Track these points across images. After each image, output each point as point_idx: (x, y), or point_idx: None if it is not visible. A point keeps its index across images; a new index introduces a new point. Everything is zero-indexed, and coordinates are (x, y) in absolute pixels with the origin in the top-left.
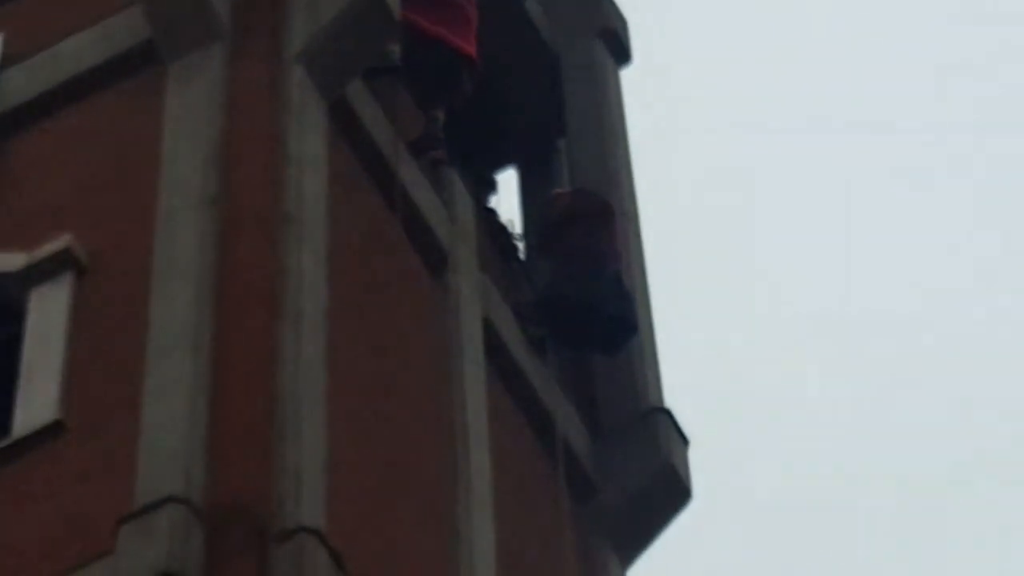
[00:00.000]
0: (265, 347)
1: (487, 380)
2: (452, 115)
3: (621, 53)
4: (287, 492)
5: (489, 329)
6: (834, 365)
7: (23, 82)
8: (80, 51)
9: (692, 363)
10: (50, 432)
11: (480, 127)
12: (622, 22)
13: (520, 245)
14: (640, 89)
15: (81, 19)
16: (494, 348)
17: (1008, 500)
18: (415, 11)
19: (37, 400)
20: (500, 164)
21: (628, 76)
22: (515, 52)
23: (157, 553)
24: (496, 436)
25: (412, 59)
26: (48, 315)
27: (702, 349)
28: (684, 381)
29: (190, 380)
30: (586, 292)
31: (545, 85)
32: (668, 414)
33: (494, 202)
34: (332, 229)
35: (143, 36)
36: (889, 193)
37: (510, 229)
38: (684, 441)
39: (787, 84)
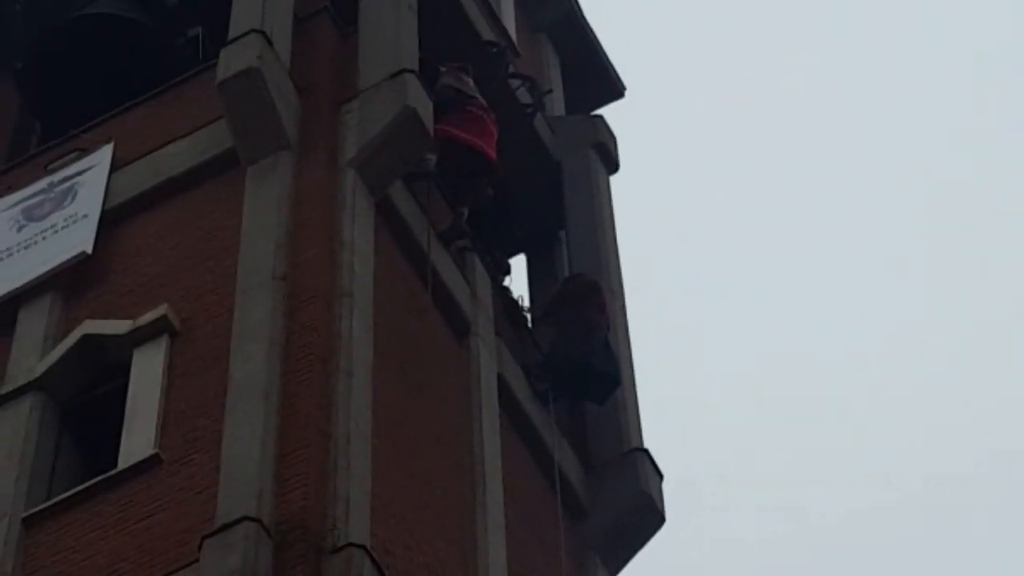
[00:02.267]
0: (322, 396)
1: (500, 424)
2: (474, 211)
3: (611, 163)
4: (339, 514)
5: (503, 383)
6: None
7: (129, 182)
8: (175, 157)
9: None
10: (148, 464)
11: (496, 221)
12: (612, 139)
13: (528, 316)
14: (626, 192)
15: (176, 130)
16: (506, 398)
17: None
18: (449, 123)
19: (138, 438)
20: (512, 251)
21: (616, 180)
22: (525, 161)
23: (234, 563)
24: (507, 469)
25: (445, 163)
26: (148, 370)
27: (677, 401)
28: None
29: (261, 422)
30: (580, 353)
31: (549, 187)
32: (647, 453)
33: (508, 282)
34: (377, 302)
35: (226, 145)
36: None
37: (520, 303)
38: (659, 475)
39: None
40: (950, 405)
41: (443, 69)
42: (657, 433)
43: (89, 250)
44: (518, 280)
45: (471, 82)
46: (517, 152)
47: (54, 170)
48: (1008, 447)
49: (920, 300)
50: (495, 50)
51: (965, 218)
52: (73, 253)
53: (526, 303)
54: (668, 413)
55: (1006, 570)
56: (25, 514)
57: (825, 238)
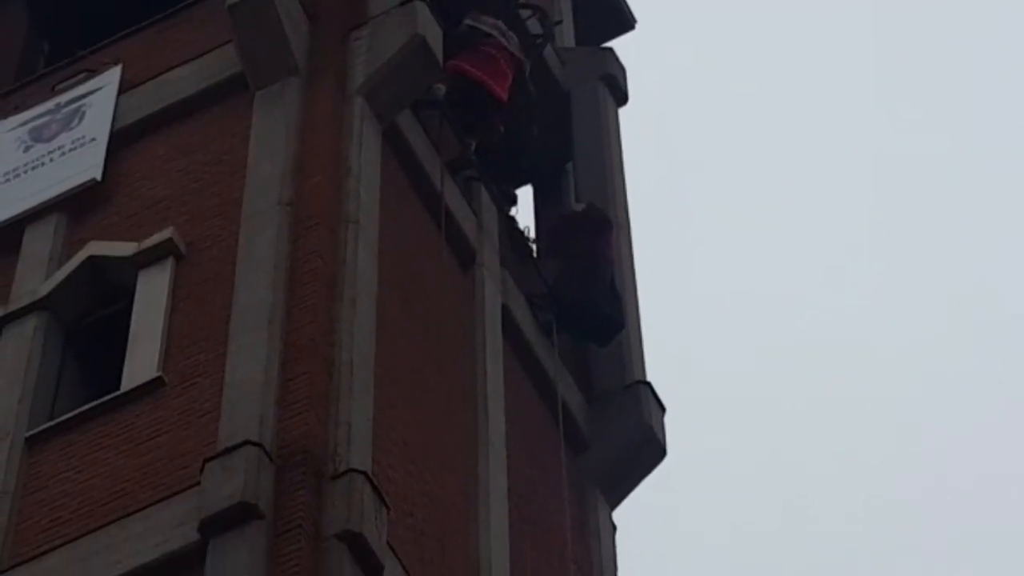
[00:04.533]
0: (326, 323)
1: (504, 355)
2: (482, 143)
3: (620, 95)
4: (340, 440)
5: (507, 313)
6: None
7: (137, 105)
8: (184, 80)
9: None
10: (151, 387)
11: (504, 151)
12: (622, 71)
13: (534, 247)
14: (634, 124)
15: (185, 54)
16: (510, 329)
17: None
18: (463, 60)
19: (142, 361)
20: (519, 182)
21: (624, 112)
22: (535, 91)
23: (235, 486)
24: (509, 399)
25: (456, 97)
26: (152, 293)
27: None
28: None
29: (265, 348)
30: (584, 293)
31: (557, 119)
32: (649, 386)
33: (514, 212)
34: (383, 230)
35: (235, 70)
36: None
37: (526, 234)
38: (662, 408)
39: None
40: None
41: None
42: (661, 367)
43: (99, 177)
44: (525, 211)
45: (502, 25)
46: (526, 83)
47: (62, 91)
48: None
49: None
50: None
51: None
52: (82, 179)
53: (532, 234)
54: (673, 346)
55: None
56: (28, 434)
57: (832, 167)
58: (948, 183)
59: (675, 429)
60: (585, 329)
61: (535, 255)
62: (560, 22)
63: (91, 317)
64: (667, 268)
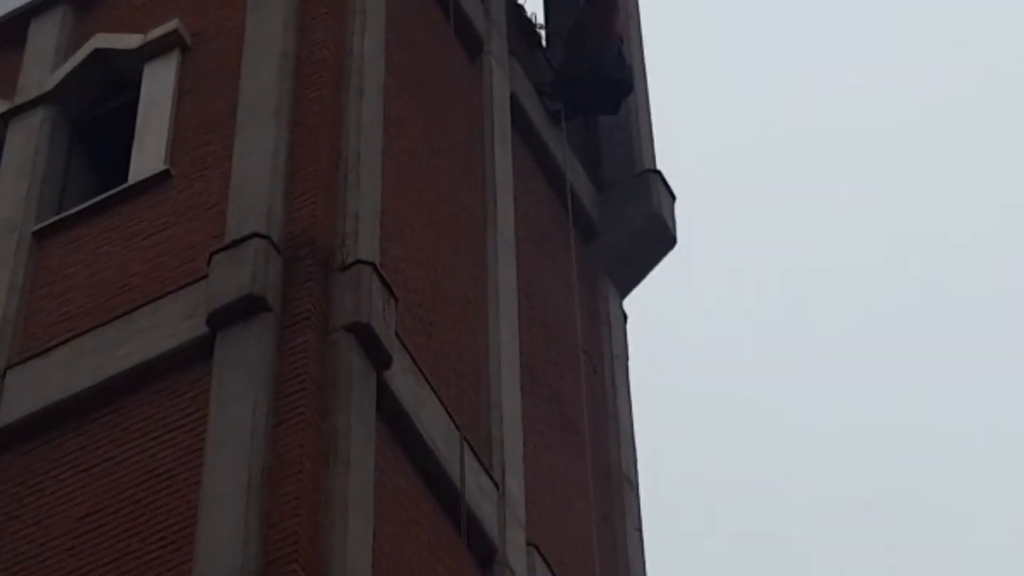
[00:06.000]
0: (333, 113)
1: (513, 143)
2: None
3: None
4: (348, 231)
5: (515, 102)
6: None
7: None
8: None
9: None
10: (159, 179)
11: None
12: None
13: (543, 34)
14: None
15: None
16: (519, 118)
17: None
18: None
19: (149, 153)
20: None
21: None
22: None
23: (243, 278)
24: (519, 188)
25: None
26: (159, 85)
27: (695, 117)
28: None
29: (272, 139)
30: (592, 63)
31: None
32: (659, 174)
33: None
34: (390, 20)
35: None
36: None
37: (535, 22)
38: (672, 197)
39: None
40: None
41: None
42: (671, 155)
43: None
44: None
45: None
46: None
47: None
48: None
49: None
50: None
51: None
52: None
53: (541, 21)
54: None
55: None
56: (36, 227)
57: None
58: None
59: (685, 216)
60: (594, 99)
61: (544, 43)
62: None
63: (98, 110)
64: (678, 56)
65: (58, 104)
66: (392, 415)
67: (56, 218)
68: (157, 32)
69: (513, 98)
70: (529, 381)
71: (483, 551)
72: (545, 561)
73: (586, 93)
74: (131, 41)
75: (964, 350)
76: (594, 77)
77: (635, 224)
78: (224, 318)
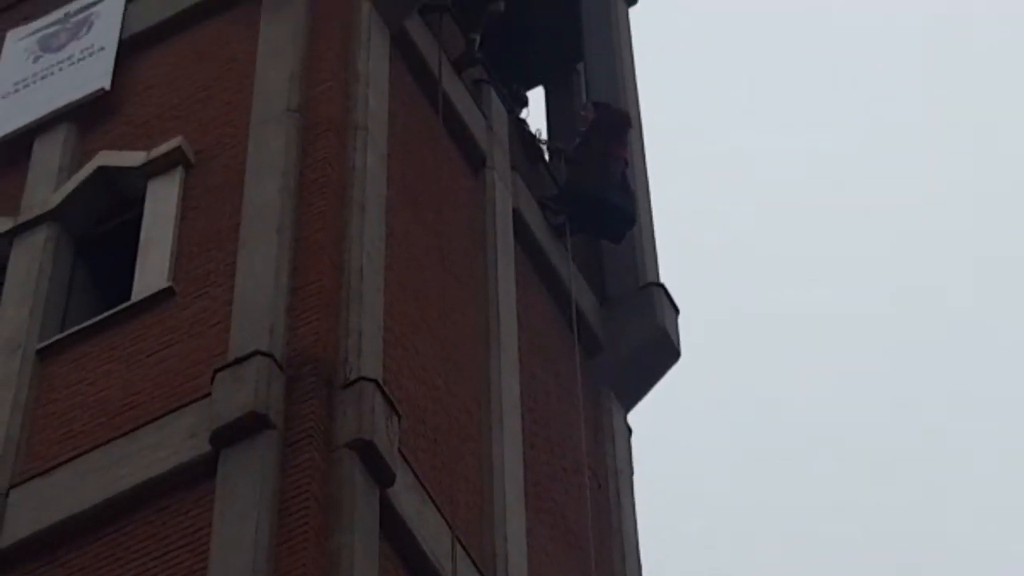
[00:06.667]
0: (335, 230)
1: (516, 258)
2: (492, 42)
3: None
4: (351, 348)
5: (518, 217)
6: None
7: (145, 12)
8: None
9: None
10: (162, 297)
11: (514, 52)
12: None
13: (545, 149)
14: (644, 23)
15: None
16: (522, 232)
17: None
18: None
19: (152, 271)
20: (530, 83)
21: (635, 12)
22: None
23: (246, 396)
24: (522, 303)
25: None
26: (162, 202)
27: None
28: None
29: (274, 256)
30: (596, 186)
31: (567, 18)
32: (663, 288)
33: (525, 114)
34: (392, 135)
35: None
36: None
37: (537, 136)
38: (675, 310)
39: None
40: None
41: None
42: (674, 269)
43: (107, 86)
44: (536, 113)
45: None
46: None
47: (70, 0)
48: None
49: None
50: None
51: None
52: (91, 89)
53: (543, 136)
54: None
55: None
56: (39, 346)
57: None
58: None
59: (688, 331)
60: (597, 225)
61: (546, 157)
62: None
63: (101, 227)
64: (679, 169)
65: (61, 222)
66: (395, 532)
67: (59, 336)
68: (161, 149)
69: (516, 212)
70: (533, 496)
71: None
72: None
73: (589, 216)
74: (135, 159)
75: None
76: (598, 202)
77: (639, 338)
78: (227, 436)
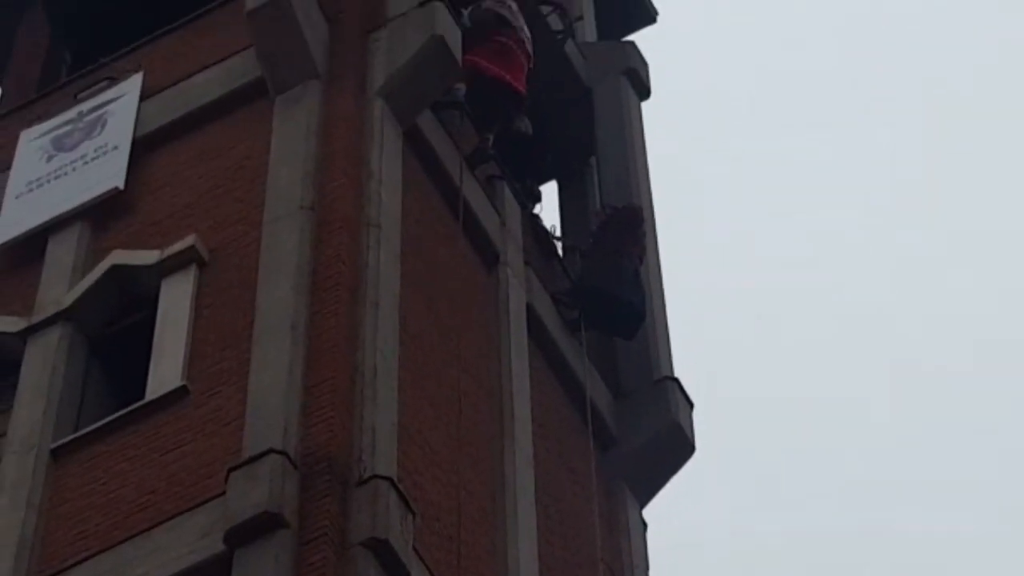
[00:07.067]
0: (349, 327)
1: (530, 353)
2: (506, 138)
3: (642, 89)
4: (365, 446)
5: (531, 313)
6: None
7: (158, 111)
8: (204, 86)
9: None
10: (176, 396)
11: (527, 148)
12: (644, 64)
13: (559, 245)
14: (657, 118)
15: (205, 60)
16: (535, 328)
17: None
18: (477, 54)
19: (166, 369)
20: (543, 178)
21: (648, 107)
22: (556, 87)
23: (260, 495)
24: (536, 398)
25: (475, 94)
26: (176, 301)
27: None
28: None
29: (288, 354)
30: (608, 282)
31: (580, 114)
32: (676, 382)
33: (539, 209)
34: (405, 232)
35: (255, 75)
36: None
37: (551, 231)
38: (690, 404)
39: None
40: None
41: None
42: (688, 362)
43: (121, 185)
44: (550, 208)
45: (514, 6)
46: (548, 77)
47: (84, 99)
48: None
49: None
50: None
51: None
52: (105, 188)
53: (558, 231)
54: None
55: None
56: (54, 445)
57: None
58: None
59: (703, 424)
60: (610, 321)
61: (560, 252)
62: (580, 18)
63: (115, 326)
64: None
65: (75, 321)
66: None
67: (73, 436)
68: (174, 248)
69: (529, 308)
70: None
71: None
72: None
73: (601, 312)
74: (148, 257)
75: None
76: (609, 299)
77: (653, 432)
78: (242, 535)
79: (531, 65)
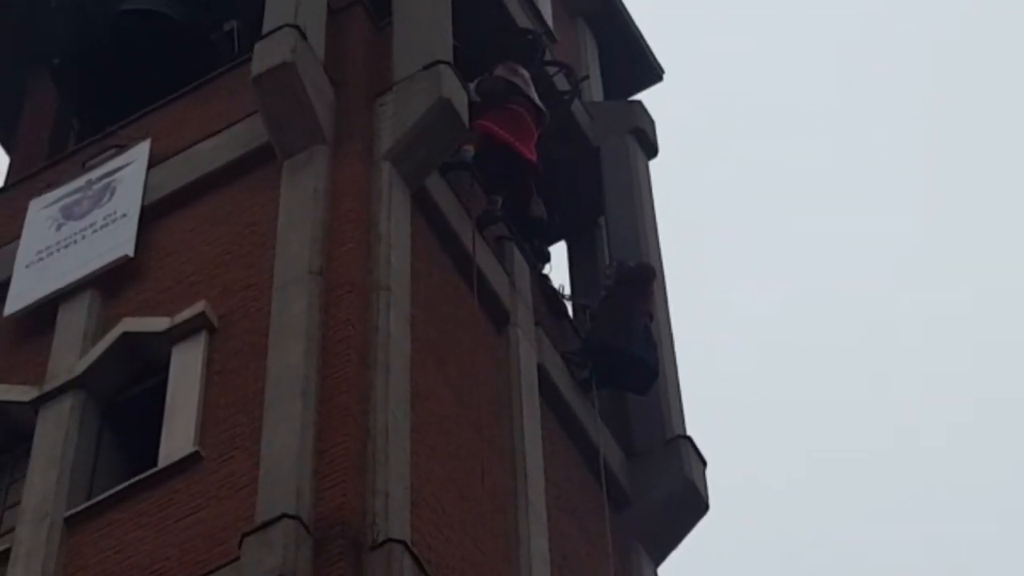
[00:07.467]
0: (360, 391)
1: (542, 414)
2: (515, 199)
3: (650, 148)
4: (378, 510)
5: (543, 373)
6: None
7: (167, 178)
8: (212, 152)
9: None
10: (189, 462)
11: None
12: (651, 123)
13: (569, 304)
14: (665, 176)
15: (212, 126)
16: (547, 388)
17: None
18: (491, 120)
19: (178, 436)
20: (552, 239)
21: (655, 165)
22: (564, 147)
23: (274, 560)
24: (549, 459)
25: (484, 157)
26: (187, 367)
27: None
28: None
29: (300, 418)
30: (619, 339)
31: (588, 173)
32: (689, 440)
33: (548, 270)
34: (414, 294)
35: (262, 140)
36: None
37: (560, 291)
38: (703, 463)
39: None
40: None
41: (499, 66)
42: (701, 420)
43: (131, 253)
44: (559, 268)
45: (526, 75)
46: (556, 138)
47: (92, 167)
48: None
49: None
50: (531, 37)
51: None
52: (114, 256)
53: (567, 291)
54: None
55: None
56: (67, 514)
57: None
58: None
59: (716, 482)
60: (621, 378)
61: (570, 312)
62: (586, 78)
63: (127, 393)
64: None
65: (87, 389)
66: None
67: (87, 504)
68: (184, 315)
69: (540, 368)
70: None
71: None
72: None
73: (613, 369)
74: (159, 324)
75: None
76: (621, 355)
77: (667, 491)
78: None
79: (541, 132)
